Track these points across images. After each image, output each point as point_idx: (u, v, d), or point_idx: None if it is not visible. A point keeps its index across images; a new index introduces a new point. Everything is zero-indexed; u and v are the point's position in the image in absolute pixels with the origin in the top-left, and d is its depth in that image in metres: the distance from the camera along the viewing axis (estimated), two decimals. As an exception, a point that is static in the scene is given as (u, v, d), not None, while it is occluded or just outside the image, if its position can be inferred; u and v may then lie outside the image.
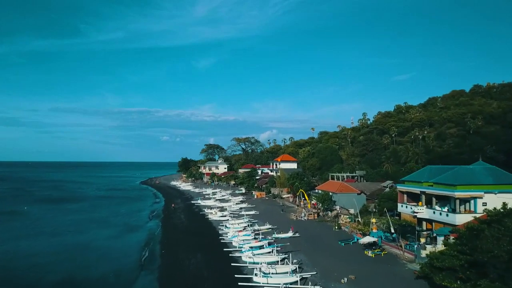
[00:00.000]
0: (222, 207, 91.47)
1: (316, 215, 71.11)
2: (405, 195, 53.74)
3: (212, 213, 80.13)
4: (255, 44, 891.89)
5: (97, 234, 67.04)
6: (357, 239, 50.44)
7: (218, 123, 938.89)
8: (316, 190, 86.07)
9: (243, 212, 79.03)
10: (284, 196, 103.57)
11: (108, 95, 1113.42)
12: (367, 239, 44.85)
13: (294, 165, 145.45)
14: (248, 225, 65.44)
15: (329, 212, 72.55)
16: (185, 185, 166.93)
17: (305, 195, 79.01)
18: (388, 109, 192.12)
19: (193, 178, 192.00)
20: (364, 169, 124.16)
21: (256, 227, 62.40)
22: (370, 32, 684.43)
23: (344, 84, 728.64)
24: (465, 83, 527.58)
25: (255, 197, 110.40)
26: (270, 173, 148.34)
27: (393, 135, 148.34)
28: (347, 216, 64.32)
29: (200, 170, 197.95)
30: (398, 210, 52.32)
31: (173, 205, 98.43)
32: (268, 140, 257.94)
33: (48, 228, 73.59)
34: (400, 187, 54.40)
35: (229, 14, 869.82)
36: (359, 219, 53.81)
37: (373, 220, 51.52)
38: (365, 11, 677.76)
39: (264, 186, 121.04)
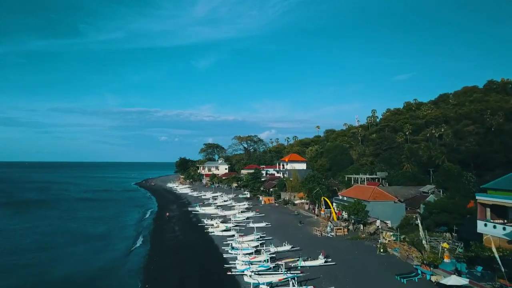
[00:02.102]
0: (225, 216, 76.19)
1: (346, 229, 55.71)
2: (488, 209, 38.35)
3: (213, 225, 64.68)
4: (255, 44, 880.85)
5: (62, 256, 51.44)
6: (422, 273, 35.19)
7: (217, 123, 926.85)
8: (340, 197, 70.69)
9: (251, 224, 63.53)
10: (296, 202, 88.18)
11: (107, 95, 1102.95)
12: (454, 280, 29.19)
13: (303, 165, 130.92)
14: (262, 244, 50.05)
15: (362, 226, 57.20)
16: (182, 188, 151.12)
17: (330, 204, 63.52)
18: (389, 108, 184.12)
19: (191, 180, 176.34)
20: (384, 170, 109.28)
21: (272, 248, 46.88)
22: (370, 32, 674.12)
23: (344, 84, 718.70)
24: (464, 82, 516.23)
25: (263, 202, 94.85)
26: (277, 175, 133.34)
27: (406, 133, 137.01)
28: (391, 233, 48.78)
29: (199, 171, 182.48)
30: (478, 230, 37.21)
31: (167, 214, 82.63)
32: (271, 139, 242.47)
33: (4, 247, 57.88)
34: (482, 198, 38.92)
35: (229, 14, 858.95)
36: (424, 242, 38.16)
37: (445, 245, 36.19)
38: (365, 11, 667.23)
39: (272, 189, 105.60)
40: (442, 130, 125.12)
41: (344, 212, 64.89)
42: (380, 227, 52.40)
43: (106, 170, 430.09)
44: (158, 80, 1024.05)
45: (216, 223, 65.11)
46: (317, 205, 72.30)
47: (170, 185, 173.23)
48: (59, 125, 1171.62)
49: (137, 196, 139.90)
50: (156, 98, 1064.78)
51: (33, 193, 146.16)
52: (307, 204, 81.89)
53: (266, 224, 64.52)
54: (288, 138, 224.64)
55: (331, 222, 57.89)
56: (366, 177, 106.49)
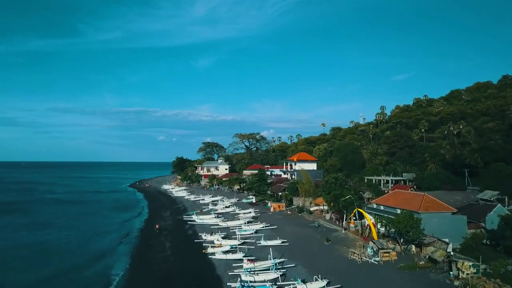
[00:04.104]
0: (228, 227, 61.52)
1: (395, 253, 40.88)
2: None
3: (214, 243, 49.88)
4: (254, 44, 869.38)
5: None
6: None
7: (216, 123, 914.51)
8: (374, 206, 55.82)
9: (263, 242, 48.84)
10: (312, 209, 73.44)
11: (106, 95, 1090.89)
12: None
13: (313, 166, 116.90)
14: (282, 276, 35.35)
15: (413, 247, 42.50)
16: (178, 190, 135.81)
17: (367, 217, 48.61)
18: (388, 107, 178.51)
19: (188, 181, 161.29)
20: (411, 171, 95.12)
21: (300, 284, 32.27)
22: (370, 32, 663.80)
23: (343, 84, 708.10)
24: (464, 82, 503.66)
25: (272, 209, 79.93)
26: (284, 176, 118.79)
27: (422, 130, 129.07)
28: (470, 264, 33.96)
29: (197, 172, 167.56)
30: None
31: (157, 226, 67.17)
32: (272, 138, 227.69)
33: None
34: None
35: (228, 14, 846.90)
36: None
37: None
38: (365, 11, 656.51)
39: (280, 193, 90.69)
40: (461, 127, 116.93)
41: (381, 226, 50.23)
42: (452, 253, 37.46)
43: (103, 170, 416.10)
44: (157, 80, 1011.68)
45: (218, 240, 50.39)
46: (344, 215, 57.39)
47: (165, 186, 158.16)
48: (58, 125, 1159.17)
49: (127, 200, 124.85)
50: (154, 98, 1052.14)
51: (13, 195, 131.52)
52: (327, 213, 67.09)
53: (282, 242, 49.71)
54: (291, 136, 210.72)
55: (373, 243, 43.13)
56: (391, 179, 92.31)
